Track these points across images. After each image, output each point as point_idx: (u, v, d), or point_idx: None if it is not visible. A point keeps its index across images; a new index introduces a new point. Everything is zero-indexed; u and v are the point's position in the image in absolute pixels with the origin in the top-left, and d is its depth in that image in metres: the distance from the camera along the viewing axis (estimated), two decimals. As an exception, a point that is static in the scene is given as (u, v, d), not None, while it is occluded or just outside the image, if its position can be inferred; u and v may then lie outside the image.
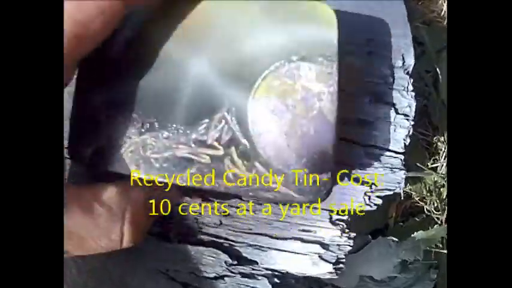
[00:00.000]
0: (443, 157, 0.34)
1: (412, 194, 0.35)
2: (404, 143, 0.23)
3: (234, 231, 0.25)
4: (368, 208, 0.23)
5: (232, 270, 0.24)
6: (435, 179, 0.35)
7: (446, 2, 0.38)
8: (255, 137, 0.19)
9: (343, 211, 0.23)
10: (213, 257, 0.25)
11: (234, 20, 0.20)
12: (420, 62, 0.35)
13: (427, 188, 0.35)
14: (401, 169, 0.23)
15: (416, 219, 0.35)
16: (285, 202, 0.22)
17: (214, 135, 0.20)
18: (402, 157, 0.23)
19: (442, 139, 0.35)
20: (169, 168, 0.20)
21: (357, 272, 0.31)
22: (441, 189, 0.34)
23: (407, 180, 0.34)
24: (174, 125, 0.20)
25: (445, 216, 0.33)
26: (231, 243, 0.25)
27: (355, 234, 0.23)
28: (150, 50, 0.21)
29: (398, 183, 0.22)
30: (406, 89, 0.24)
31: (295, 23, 0.19)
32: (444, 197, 0.33)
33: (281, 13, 0.20)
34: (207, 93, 0.20)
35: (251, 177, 0.19)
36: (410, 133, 0.23)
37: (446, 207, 0.32)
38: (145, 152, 0.21)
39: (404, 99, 0.24)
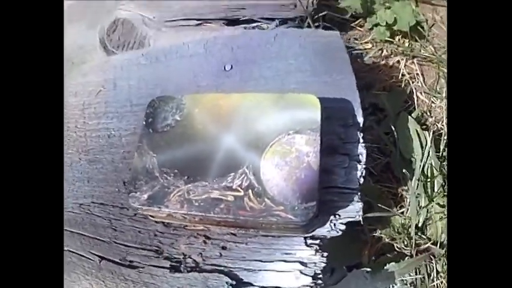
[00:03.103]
0: (408, 203, 0.60)
1: (382, 236, 0.60)
2: (359, 182, 0.48)
3: (231, 259, 0.48)
4: (334, 233, 0.48)
5: None
6: (402, 221, 0.61)
7: (405, 64, 0.68)
8: (265, 182, 0.44)
9: (312, 237, 0.47)
10: (217, 279, 0.48)
11: (252, 107, 0.47)
12: (381, 126, 0.64)
13: (396, 230, 0.61)
14: (358, 201, 0.48)
15: (388, 255, 0.59)
16: (285, 223, 0.46)
17: (238, 183, 0.45)
18: (358, 192, 0.48)
19: (406, 188, 0.62)
20: (205, 206, 0.45)
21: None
22: (409, 229, 0.59)
23: (377, 224, 0.60)
24: (210, 177, 0.45)
25: (415, 250, 0.58)
26: (230, 269, 0.48)
27: (327, 253, 0.47)
28: (193, 127, 0.47)
29: (357, 212, 0.48)
30: (357, 141, 0.50)
31: (293, 109, 0.46)
32: (412, 235, 0.58)
33: (283, 103, 0.47)
34: (233, 156, 0.45)
35: (262, 208, 0.44)
36: (363, 174, 0.49)
37: (415, 244, 0.57)
38: (188, 195, 0.45)
39: (356, 149, 0.50)
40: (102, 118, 0.60)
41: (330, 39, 0.58)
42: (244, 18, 0.67)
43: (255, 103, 0.48)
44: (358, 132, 0.52)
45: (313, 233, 0.48)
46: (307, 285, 0.46)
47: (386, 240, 0.59)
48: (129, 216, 0.53)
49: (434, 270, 0.58)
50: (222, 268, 0.48)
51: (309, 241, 0.48)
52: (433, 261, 0.58)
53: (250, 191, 0.44)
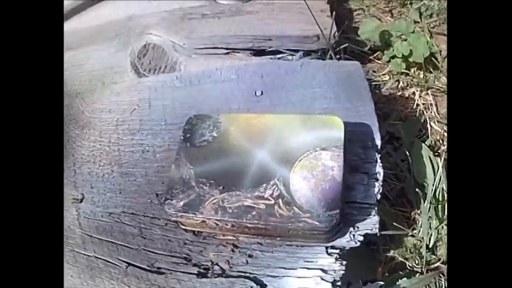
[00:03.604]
0: (420, 225, 0.68)
1: (395, 256, 0.67)
2: (376, 198, 0.56)
3: (257, 267, 0.56)
4: (353, 244, 0.55)
5: None
6: (414, 242, 0.68)
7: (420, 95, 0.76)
8: (293, 192, 0.52)
9: (333, 246, 0.55)
10: (242, 284, 0.55)
11: (283, 127, 0.56)
12: (397, 153, 0.72)
13: (409, 250, 0.68)
14: (374, 215, 0.56)
15: (401, 272, 0.66)
16: (311, 229, 0.53)
17: (269, 193, 0.53)
18: (375, 207, 0.56)
19: (418, 211, 0.69)
20: (238, 213, 0.52)
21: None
22: (420, 248, 0.66)
23: (391, 245, 0.67)
24: (243, 188, 0.53)
25: (426, 268, 0.65)
26: (256, 275, 0.55)
27: (346, 262, 0.54)
28: (229, 143, 0.56)
29: (374, 225, 0.56)
30: (375, 161, 0.59)
31: (319, 129, 0.55)
32: (424, 254, 0.65)
33: (311, 123, 0.56)
34: (265, 169, 0.54)
35: (290, 215, 0.51)
36: (380, 191, 0.56)
37: (426, 262, 0.64)
38: (223, 203, 0.53)
39: (374, 169, 0.58)
40: (137, 135, 0.69)
41: (351, 69, 0.68)
42: (270, 49, 0.77)
43: (285, 123, 0.58)
44: (376, 153, 0.60)
45: (334, 243, 0.55)
46: (325, 291, 0.53)
47: (399, 259, 0.66)
48: (160, 225, 0.61)
49: (443, 287, 0.64)
50: (248, 274, 0.55)
51: (330, 250, 0.55)
52: (442, 279, 0.65)
53: (280, 200, 0.52)
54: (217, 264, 0.57)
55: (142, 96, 0.72)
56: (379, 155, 0.60)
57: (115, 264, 0.60)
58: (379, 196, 0.58)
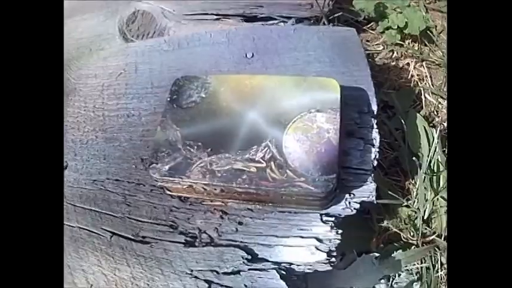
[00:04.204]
0: (414, 196, 0.64)
1: (389, 227, 0.63)
2: (372, 164, 0.52)
3: (248, 235, 0.51)
4: (349, 211, 0.50)
5: (248, 265, 0.49)
6: (409, 213, 0.64)
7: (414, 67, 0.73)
8: (287, 155, 0.47)
9: (327, 214, 0.50)
10: (232, 253, 0.49)
11: (276, 88, 0.50)
12: (391, 122, 0.68)
13: (403, 221, 0.63)
14: (371, 182, 0.51)
15: (395, 244, 0.62)
16: (306, 195, 0.48)
17: (260, 155, 0.48)
18: (372, 174, 0.51)
19: (413, 182, 0.65)
20: (228, 177, 0.47)
21: (348, 285, 0.57)
22: (415, 220, 0.63)
23: (385, 215, 0.63)
24: (233, 150, 0.48)
25: (421, 240, 0.61)
26: (246, 244, 0.50)
27: (342, 231, 0.50)
28: (218, 104, 0.50)
29: (371, 192, 0.51)
30: (371, 126, 0.54)
31: (314, 90, 0.50)
32: (419, 226, 0.61)
33: (305, 85, 0.50)
34: (256, 131, 0.48)
35: (284, 179, 0.46)
36: (377, 157, 0.52)
37: (421, 234, 0.60)
38: (211, 167, 0.48)
39: (370, 134, 0.54)
40: (122, 99, 0.62)
41: (346, 35, 0.61)
42: (261, 16, 0.72)
43: (279, 84, 0.51)
44: (372, 119, 0.55)
45: (329, 210, 0.50)
46: (321, 261, 0.48)
47: (394, 230, 0.62)
48: (144, 192, 0.55)
49: (439, 261, 0.60)
50: (238, 243, 0.50)
51: (325, 218, 0.50)
52: (438, 253, 0.61)
53: (272, 162, 0.47)
54: (205, 232, 0.51)
55: (129, 60, 0.65)
56: (375, 121, 0.55)
57: (99, 234, 0.54)
58: (375, 162, 0.53)
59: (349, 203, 0.51)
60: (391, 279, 0.60)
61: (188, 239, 0.51)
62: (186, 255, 0.50)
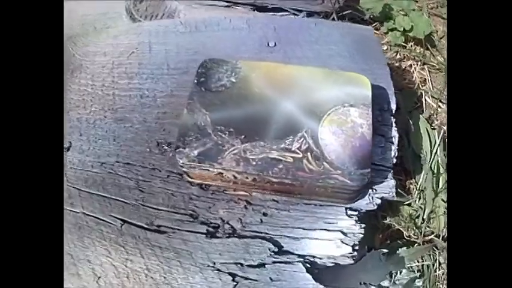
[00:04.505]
0: (415, 195, 0.65)
1: (392, 224, 0.64)
2: (392, 161, 0.52)
3: (273, 226, 0.49)
4: (371, 207, 0.50)
5: (274, 257, 0.48)
6: (410, 211, 0.65)
7: (416, 69, 0.74)
8: (323, 147, 0.46)
9: (351, 208, 0.50)
10: (259, 245, 0.48)
11: (308, 79, 0.49)
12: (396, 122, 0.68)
13: (405, 219, 0.65)
14: (391, 179, 0.51)
15: (399, 241, 0.63)
16: (341, 187, 0.47)
17: (296, 145, 0.46)
18: (391, 171, 0.52)
19: (414, 181, 0.67)
20: (263, 165, 0.46)
21: (357, 279, 0.57)
22: (415, 219, 0.64)
23: (388, 212, 0.64)
24: (268, 138, 0.46)
25: (422, 239, 0.62)
26: (272, 235, 0.49)
27: (365, 225, 0.50)
28: (250, 90, 0.48)
29: (390, 188, 0.51)
30: (391, 124, 0.54)
31: (345, 85, 0.49)
32: (420, 224, 0.63)
33: (336, 78, 0.50)
34: (292, 120, 0.47)
35: (321, 171, 0.45)
36: (396, 154, 0.52)
37: (422, 233, 0.62)
38: (245, 154, 0.46)
39: (390, 132, 0.54)
40: (134, 78, 0.58)
41: (365, 33, 0.62)
42: (272, 6, 0.70)
43: (310, 75, 0.51)
44: (392, 117, 0.56)
45: (353, 205, 0.50)
46: (346, 255, 0.48)
47: (396, 227, 0.63)
48: (161, 177, 0.52)
49: (437, 261, 0.62)
50: (264, 235, 0.49)
51: (349, 212, 0.50)
52: (436, 252, 0.63)
53: (309, 153, 0.46)
54: (227, 222, 0.49)
55: (141, 39, 0.61)
56: (395, 119, 0.56)
57: (107, 222, 0.50)
58: (394, 160, 0.53)
59: (372, 198, 0.51)
60: (393, 276, 0.60)
61: (210, 229, 0.49)
62: (208, 247, 0.48)
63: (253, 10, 0.69)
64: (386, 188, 0.52)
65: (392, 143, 0.54)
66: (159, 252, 0.48)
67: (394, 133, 0.55)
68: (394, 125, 0.55)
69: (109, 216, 0.50)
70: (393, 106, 0.56)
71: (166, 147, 0.53)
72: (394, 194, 0.52)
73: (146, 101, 0.57)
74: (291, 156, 0.46)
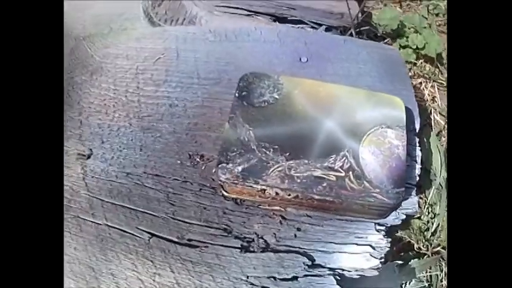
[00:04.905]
0: (425, 209, 0.67)
1: (403, 237, 0.66)
2: (416, 179, 0.54)
3: (307, 241, 0.50)
4: (396, 222, 0.52)
5: (308, 271, 0.48)
6: (419, 225, 0.67)
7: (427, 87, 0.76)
8: (363, 166, 0.47)
9: (379, 223, 0.51)
10: (294, 260, 0.48)
11: (349, 98, 0.50)
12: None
13: (414, 232, 0.67)
14: (414, 196, 0.53)
15: (410, 253, 0.65)
16: (379, 205, 0.48)
17: (339, 164, 0.47)
18: (415, 188, 0.53)
19: (422, 196, 0.69)
20: (307, 183, 0.46)
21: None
22: (425, 232, 0.66)
23: (400, 225, 0.65)
24: (312, 156, 0.47)
25: (431, 251, 0.65)
26: (305, 250, 0.49)
27: (391, 239, 0.51)
28: (293, 107, 0.48)
29: (413, 205, 0.53)
30: (415, 144, 0.56)
31: (383, 107, 0.50)
32: (429, 237, 0.65)
33: (375, 99, 0.50)
34: (334, 139, 0.48)
35: (361, 190, 0.46)
36: (420, 173, 0.54)
37: (431, 245, 0.64)
38: (289, 172, 0.46)
39: (415, 152, 0.56)
40: (162, 86, 0.57)
41: (391, 54, 0.63)
42: (291, 18, 0.70)
43: (351, 95, 0.52)
44: (416, 137, 0.57)
45: (380, 220, 0.51)
46: (374, 268, 0.49)
47: (407, 240, 0.65)
48: (192, 191, 0.51)
49: (443, 271, 0.64)
50: (297, 249, 0.49)
51: (378, 227, 0.51)
52: (443, 263, 0.65)
53: (350, 172, 0.47)
54: (262, 237, 0.49)
55: (168, 45, 0.60)
56: (418, 140, 0.58)
57: (134, 234, 0.48)
58: (418, 178, 0.55)
59: (398, 213, 0.52)
60: (403, 286, 0.62)
61: (244, 243, 0.49)
62: (242, 261, 0.47)
63: (274, 21, 0.69)
64: (411, 204, 0.53)
65: (416, 161, 0.56)
66: (190, 267, 0.47)
67: (418, 152, 0.56)
68: (417, 144, 0.57)
69: (136, 229, 0.49)
70: (417, 126, 0.57)
71: (199, 160, 0.52)
72: (416, 210, 0.53)
73: (176, 110, 0.56)
74: (334, 175, 0.46)
